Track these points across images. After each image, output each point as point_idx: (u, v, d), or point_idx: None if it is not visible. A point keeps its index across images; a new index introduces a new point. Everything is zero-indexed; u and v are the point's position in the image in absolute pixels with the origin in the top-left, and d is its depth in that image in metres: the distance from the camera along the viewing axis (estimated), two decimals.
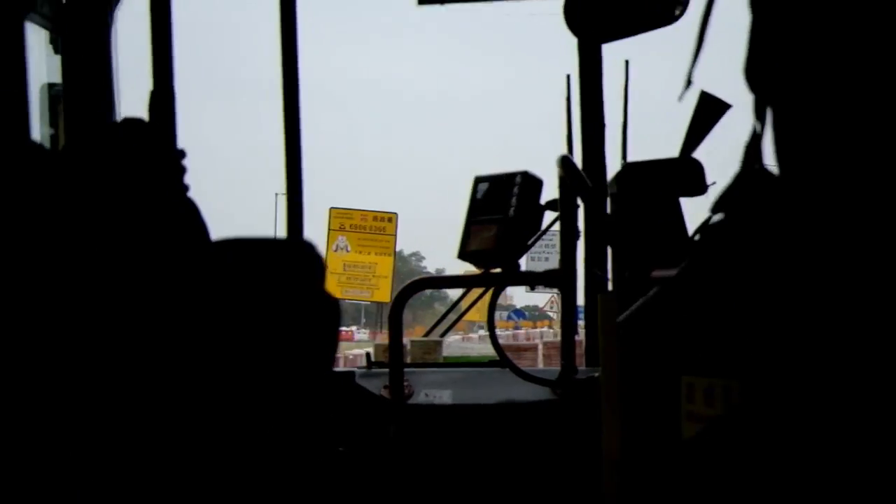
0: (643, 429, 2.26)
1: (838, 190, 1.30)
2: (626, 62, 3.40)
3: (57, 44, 3.53)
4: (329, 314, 2.76)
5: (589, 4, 2.70)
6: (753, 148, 1.47)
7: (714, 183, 2.49)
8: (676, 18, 2.73)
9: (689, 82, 1.54)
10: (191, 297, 2.54)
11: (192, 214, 2.63)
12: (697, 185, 2.51)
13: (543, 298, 30.87)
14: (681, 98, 1.56)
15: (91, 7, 3.51)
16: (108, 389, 2.48)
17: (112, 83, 3.57)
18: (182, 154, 2.61)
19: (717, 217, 1.49)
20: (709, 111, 2.58)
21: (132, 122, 2.61)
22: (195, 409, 2.54)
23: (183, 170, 2.60)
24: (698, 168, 2.52)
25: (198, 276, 2.57)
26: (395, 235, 20.43)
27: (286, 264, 2.75)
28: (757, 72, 1.42)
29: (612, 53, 3.51)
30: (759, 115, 1.46)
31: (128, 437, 2.48)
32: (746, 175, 1.46)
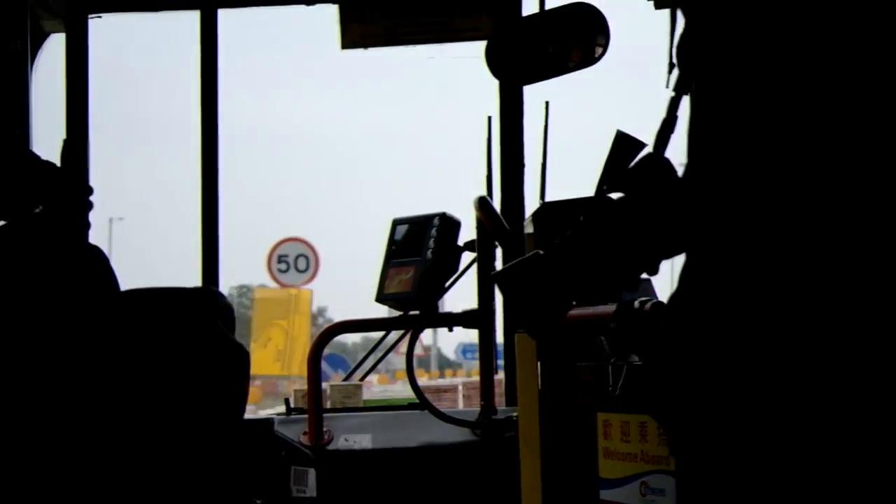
0: (561, 467, 2.26)
1: (739, 187, 1.32)
2: (546, 103, 3.41)
3: None
4: (237, 363, 2.75)
5: (509, 47, 2.72)
6: (662, 136, 1.50)
7: None
8: (596, 60, 2.75)
9: (671, 65, 1.56)
10: (96, 347, 2.51)
11: (98, 263, 2.61)
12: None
13: None
14: (667, 84, 1.58)
15: (7, 58, 3.47)
16: (13, 442, 2.43)
17: (29, 133, 3.53)
18: (89, 190, 2.60)
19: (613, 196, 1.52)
20: (624, 150, 2.59)
21: (44, 167, 2.59)
22: (103, 459, 2.50)
23: (89, 207, 2.59)
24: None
25: (103, 326, 2.54)
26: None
27: (194, 314, 2.73)
28: (687, 49, 1.45)
29: (534, 95, 3.54)
30: (673, 107, 1.48)
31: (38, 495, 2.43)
32: (648, 159, 1.48)
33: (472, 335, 3.35)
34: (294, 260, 17.72)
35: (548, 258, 1.58)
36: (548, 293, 1.57)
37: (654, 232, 1.47)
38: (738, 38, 1.36)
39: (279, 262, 16.97)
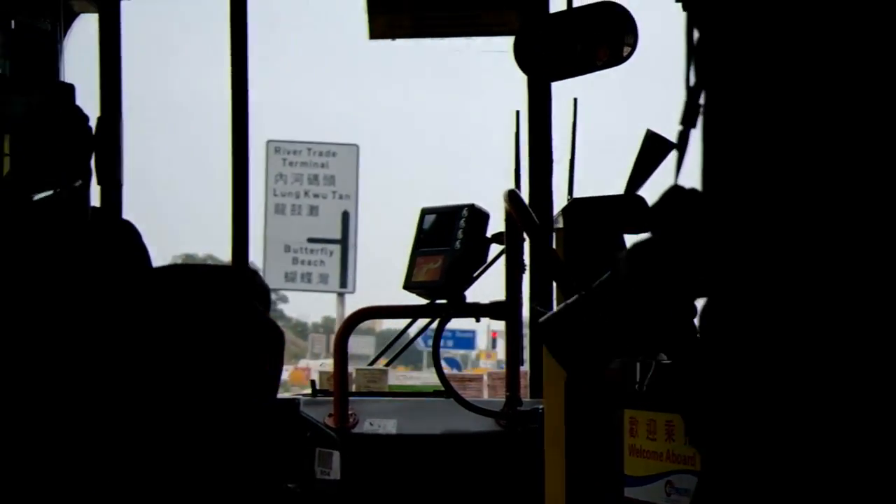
0: (586, 461, 2.30)
1: (758, 208, 1.33)
2: (575, 100, 3.44)
3: (5, 68, 3.53)
4: (273, 343, 2.79)
5: (538, 43, 2.73)
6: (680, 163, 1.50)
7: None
8: (625, 59, 2.77)
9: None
10: (130, 324, 2.55)
11: (132, 239, 2.65)
12: (641, 221, 2.54)
13: None
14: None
15: (39, 34, 3.51)
16: (39, 420, 2.48)
17: None
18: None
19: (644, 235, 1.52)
20: (654, 149, 2.61)
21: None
22: (131, 440, 2.54)
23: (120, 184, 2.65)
24: (642, 205, 2.56)
25: (135, 304, 2.59)
26: None
27: (228, 292, 2.77)
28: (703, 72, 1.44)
29: (562, 90, 3.56)
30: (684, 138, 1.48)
31: (64, 472, 2.48)
32: (673, 192, 1.48)
33: None
34: None
35: (591, 302, 1.57)
36: (596, 338, 1.58)
37: (692, 274, 1.46)
38: (761, 54, 1.35)
39: None
